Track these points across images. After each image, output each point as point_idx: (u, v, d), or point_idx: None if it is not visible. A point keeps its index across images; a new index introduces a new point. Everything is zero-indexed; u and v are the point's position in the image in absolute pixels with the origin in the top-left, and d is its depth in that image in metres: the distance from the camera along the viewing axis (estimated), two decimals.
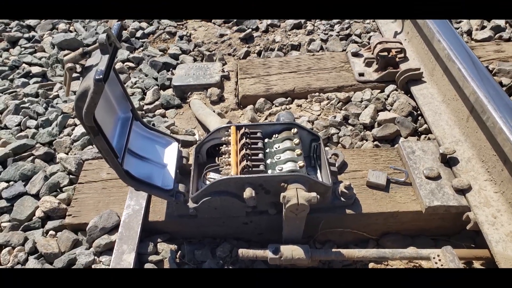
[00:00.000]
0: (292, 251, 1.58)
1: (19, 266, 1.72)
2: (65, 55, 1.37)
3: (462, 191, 1.75)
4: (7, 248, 1.76)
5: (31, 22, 3.47)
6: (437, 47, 2.28)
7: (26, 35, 3.31)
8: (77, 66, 1.35)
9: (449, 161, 1.89)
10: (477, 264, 1.74)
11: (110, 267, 1.63)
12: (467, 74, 1.96)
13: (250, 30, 3.21)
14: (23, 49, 3.17)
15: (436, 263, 1.50)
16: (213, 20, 3.43)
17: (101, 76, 1.19)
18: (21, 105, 2.53)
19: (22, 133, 2.36)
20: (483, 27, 3.01)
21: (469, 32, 3.00)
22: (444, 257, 1.50)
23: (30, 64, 3.00)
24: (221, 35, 3.22)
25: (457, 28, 3.04)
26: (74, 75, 1.38)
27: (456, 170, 1.84)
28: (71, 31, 3.39)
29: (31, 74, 2.89)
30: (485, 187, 1.76)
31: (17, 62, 2.98)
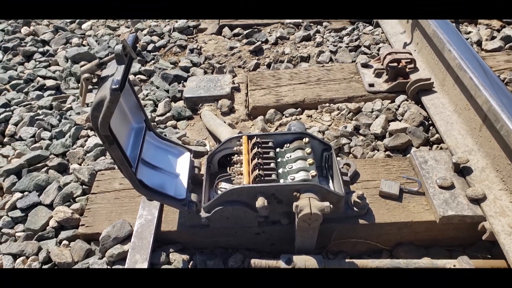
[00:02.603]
0: (305, 262, 1.57)
1: None
2: (81, 66, 1.40)
3: (476, 201, 1.73)
4: (21, 258, 1.77)
5: (46, 37, 3.55)
6: (447, 57, 2.28)
7: (41, 50, 3.38)
8: (93, 76, 1.38)
9: (462, 171, 1.87)
10: None
11: None
12: (479, 83, 1.96)
13: (259, 42, 3.25)
14: (37, 63, 3.23)
15: None
16: (223, 33, 3.47)
17: (117, 86, 1.21)
18: (36, 117, 2.57)
19: (37, 145, 2.39)
20: (493, 38, 3.01)
21: (479, 43, 3.00)
22: (460, 268, 1.48)
23: (44, 77, 3.05)
24: (231, 48, 3.26)
25: (467, 39, 3.04)
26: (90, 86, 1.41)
27: (470, 180, 1.82)
28: (84, 45, 3.46)
29: (45, 87, 2.94)
30: (501, 196, 1.73)
31: (32, 75, 3.04)
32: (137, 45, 3.29)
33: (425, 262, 1.57)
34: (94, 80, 1.39)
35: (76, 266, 1.72)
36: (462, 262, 1.49)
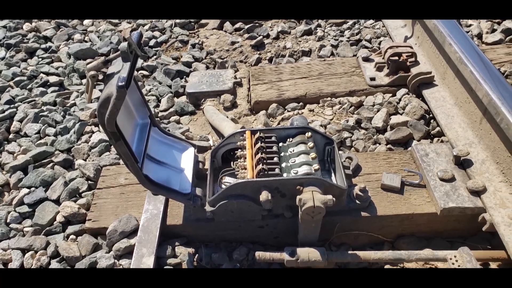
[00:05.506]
0: (308, 254, 1.60)
1: None
2: (87, 63, 1.42)
3: (477, 193, 1.76)
4: (30, 252, 1.81)
5: (48, 33, 3.57)
6: (448, 50, 2.30)
7: (43, 46, 3.39)
8: (99, 73, 1.40)
9: (463, 163, 1.90)
10: (494, 265, 1.73)
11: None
12: (480, 77, 1.97)
13: (261, 37, 3.26)
14: (40, 59, 3.25)
15: (453, 264, 1.51)
16: (224, 28, 3.48)
17: (123, 83, 1.23)
18: (40, 114, 2.60)
19: (42, 141, 2.42)
20: (493, 30, 3.02)
21: (479, 36, 3.01)
22: (461, 258, 1.51)
23: (47, 73, 3.07)
24: (233, 43, 3.27)
25: (467, 32, 3.04)
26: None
27: (471, 172, 1.85)
28: (86, 41, 3.47)
29: (48, 83, 2.96)
30: (500, 188, 1.76)
31: (35, 72, 3.06)
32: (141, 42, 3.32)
33: (426, 253, 1.60)
34: (100, 77, 1.41)
35: (83, 260, 1.75)
36: (463, 253, 1.52)
